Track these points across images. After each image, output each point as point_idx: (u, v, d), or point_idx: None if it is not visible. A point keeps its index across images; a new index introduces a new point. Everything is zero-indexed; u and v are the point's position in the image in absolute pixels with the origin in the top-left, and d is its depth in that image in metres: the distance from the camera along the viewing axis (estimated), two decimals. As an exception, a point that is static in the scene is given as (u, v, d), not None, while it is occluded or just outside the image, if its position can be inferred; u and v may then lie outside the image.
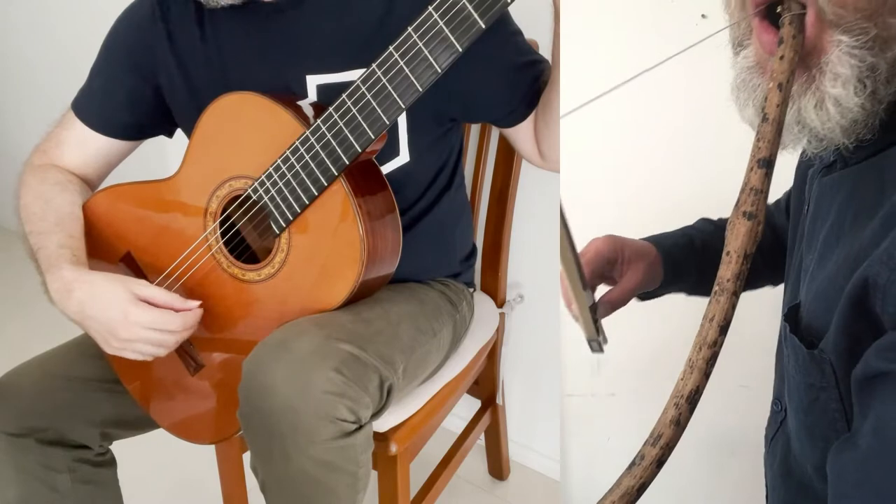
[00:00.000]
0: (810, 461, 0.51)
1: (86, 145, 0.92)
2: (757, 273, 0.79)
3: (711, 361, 0.43)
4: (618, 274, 0.72)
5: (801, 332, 0.51)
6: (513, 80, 0.84)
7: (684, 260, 0.78)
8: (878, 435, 0.38)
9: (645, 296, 0.78)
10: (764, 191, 0.45)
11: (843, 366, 0.46)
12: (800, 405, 0.52)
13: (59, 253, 0.79)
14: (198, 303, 0.79)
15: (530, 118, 0.86)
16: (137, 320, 0.75)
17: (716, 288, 0.44)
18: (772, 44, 0.49)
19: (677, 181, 1.07)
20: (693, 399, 0.42)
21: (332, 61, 0.80)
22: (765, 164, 0.46)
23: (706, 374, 0.43)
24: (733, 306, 0.44)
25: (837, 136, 0.48)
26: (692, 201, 0.96)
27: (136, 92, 0.90)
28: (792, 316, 0.53)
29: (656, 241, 0.78)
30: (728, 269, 0.44)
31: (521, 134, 0.88)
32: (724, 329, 0.43)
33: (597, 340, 0.69)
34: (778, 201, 0.80)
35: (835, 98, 0.46)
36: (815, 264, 0.53)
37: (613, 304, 0.70)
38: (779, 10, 0.48)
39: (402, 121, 0.83)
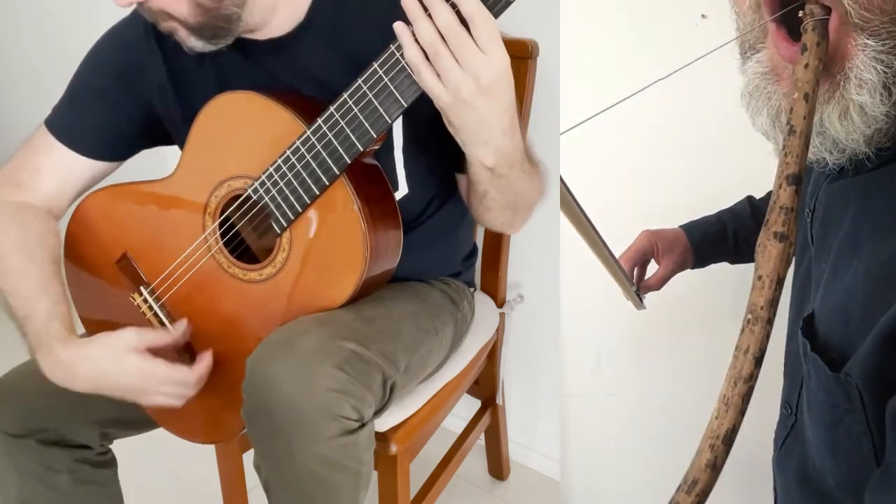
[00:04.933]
0: (832, 476, 0.49)
1: (69, 171, 0.87)
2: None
3: (747, 397, 0.39)
4: (656, 259, 0.91)
5: (818, 348, 0.48)
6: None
7: (710, 248, 0.92)
8: None
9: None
10: (795, 209, 0.42)
11: (871, 391, 0.43)
12: (821, 423, 0.49)
13: (47, 326, 0.76)
14: (185, 321, 0.82)
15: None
16: (153, 374, 0.77)
17: (749, 316, 0.41)
18: (789, 50, 0.47)
19: (679, 184, 1.07)
20: (729, 439, 0.39)
21: (329, 95, 0.79)
22: (794, 181, 0.42)
23: (742, 412, 0.39)
24: (768, 335, 0.40)
25: (860, 146, 0.46)
26: (695, 204, 0.97)
27: (127, 112, 0.87)
28: (808, 329, 0.51)
29: (689, 230, 0.92)
30: (761, 295, 0.40)
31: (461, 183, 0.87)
32: (759, 361, 0.39)
33: (641, 306, 0.91)
34: None
35: (860, 106, 0.44)
36: (828, 274, 0.50)
37: (651, 288, 0.92)
38: (801, 14, 0.45)
39: (399, 156, 0.83)
